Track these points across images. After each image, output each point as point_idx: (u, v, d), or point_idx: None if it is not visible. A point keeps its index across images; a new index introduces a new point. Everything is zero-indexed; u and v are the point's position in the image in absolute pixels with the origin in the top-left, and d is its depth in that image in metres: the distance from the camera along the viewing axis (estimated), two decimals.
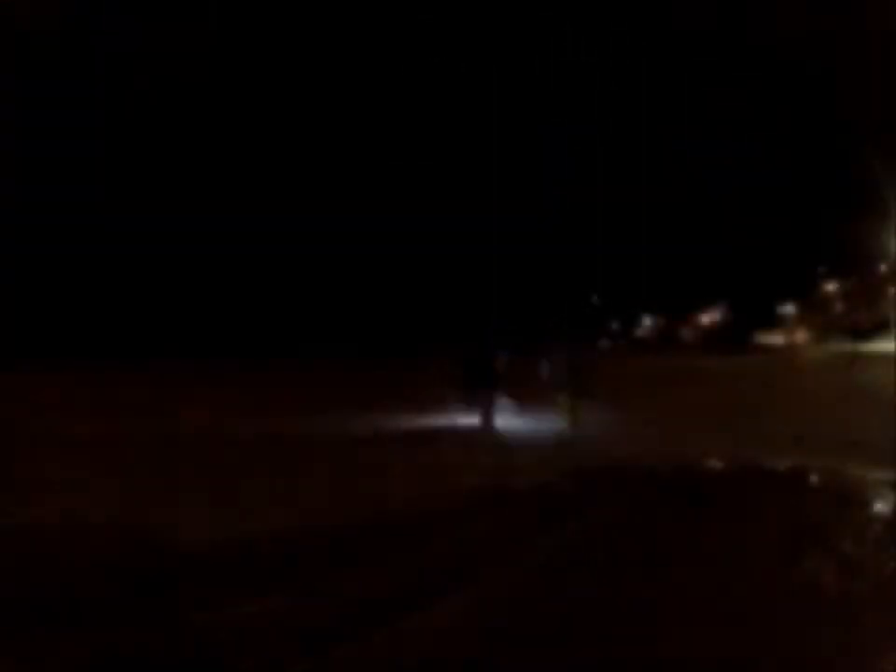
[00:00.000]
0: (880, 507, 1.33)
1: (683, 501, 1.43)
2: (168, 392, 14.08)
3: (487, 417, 9.33)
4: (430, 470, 6.10)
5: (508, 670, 0.74)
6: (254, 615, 0.92)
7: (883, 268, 56.37)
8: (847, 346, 28.70)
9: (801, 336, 57.15)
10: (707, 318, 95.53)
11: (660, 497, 1.49)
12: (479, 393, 9.41)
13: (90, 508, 4.81)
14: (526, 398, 10.34)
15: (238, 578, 1.16)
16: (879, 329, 43.50)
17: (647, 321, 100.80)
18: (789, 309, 71.73)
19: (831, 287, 68.49)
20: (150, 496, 5.31)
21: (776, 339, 60.42)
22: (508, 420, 9.58)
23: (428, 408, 10.13)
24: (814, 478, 1.68)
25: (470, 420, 9.34)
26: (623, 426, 9.30)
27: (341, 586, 0.98)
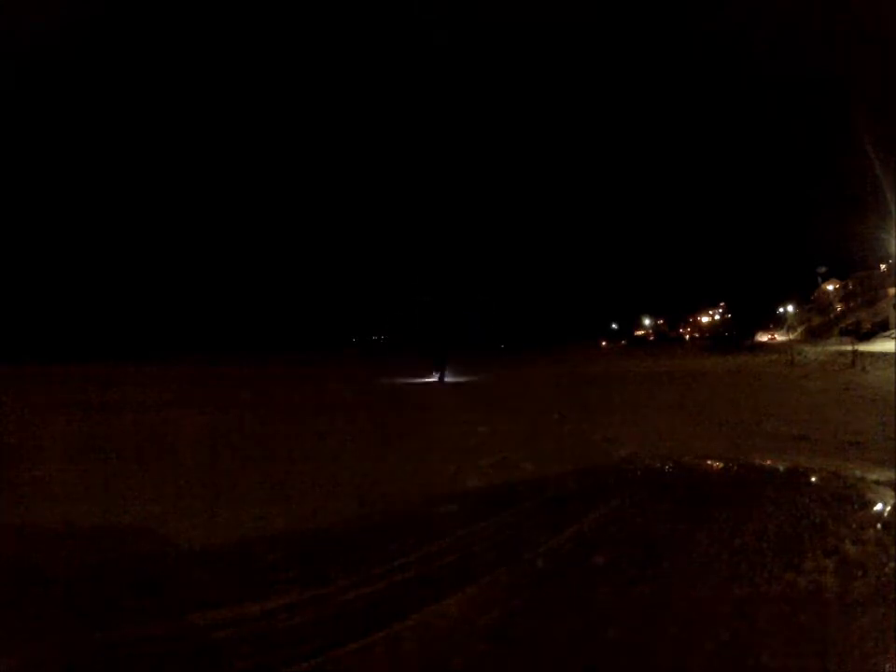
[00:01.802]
0: (880, 507, 1.33)
1: (683, 500, 1.43)
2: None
3: (441, 377, 23.24)
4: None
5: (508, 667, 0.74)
6: (255, 614, 0.92)
7: (883, 268, 56.39)
8: (847, 346, 28.64)
9: (784, 335, 57.35)
10: (706, 318, 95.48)
11: (660, 496, 1.49)
12: (438, 363, 24.00)
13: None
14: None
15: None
16: (879, 328, 43.52)
17: (646, 321, 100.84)
18: (789, 309, 71.85)
19: (831, 286, 68.52)
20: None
21: (763, 338, 60.82)
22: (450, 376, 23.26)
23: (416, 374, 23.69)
24: (814, 478, 1.68)
25: (432, 378, 23.05)
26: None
27: None
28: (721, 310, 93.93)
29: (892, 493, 1.44)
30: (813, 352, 33.47)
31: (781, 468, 2.00)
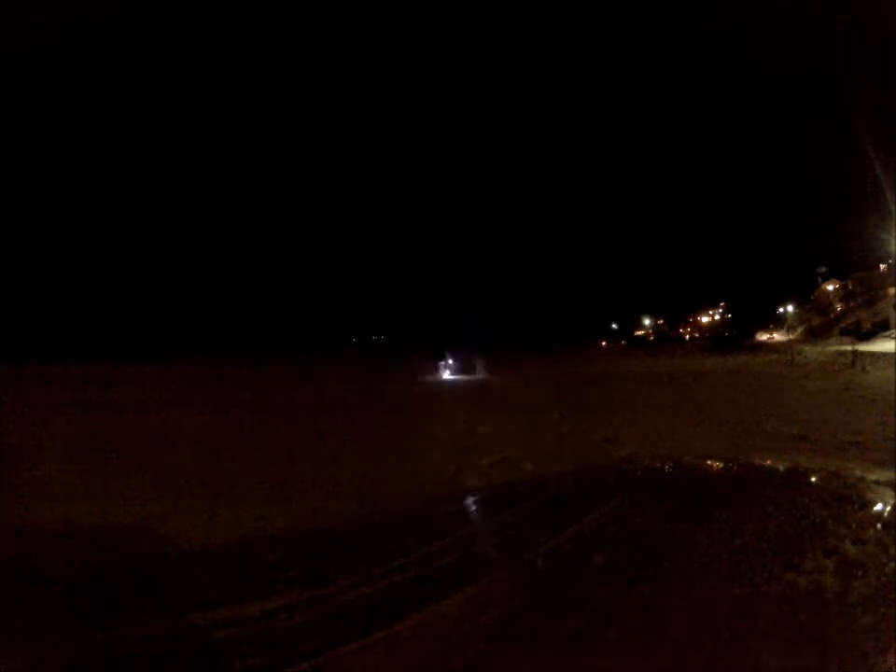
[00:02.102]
0: (880, 507, 1.33)
1: (683, 500, 1.42)
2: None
3: (440, 376, 24.74)
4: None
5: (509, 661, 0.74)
6: (256, 611, 0.92)
7: (883, 268, 56.35)
8: (847, 346, 28.63)
9: (784, 335, 57.49)
10: (707, 318, 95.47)
11: (660, 496, 1.49)
12: (437, 360, 26.07)
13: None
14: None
15: None
16: (879, 328, 43.51)
17: (646, 321, 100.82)
18: (789, 309, 71.86)
19: (831, 286, 68.49)
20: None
21: (763, 338, 61.06)
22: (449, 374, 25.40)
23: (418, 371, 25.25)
24: (814, 478, 1.67)
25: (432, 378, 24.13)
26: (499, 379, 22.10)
27: None
28: (721, 310, 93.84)
29: (892, 493, 1.44)
30: (813, 352, 33.43)
31: (781, 468, 2.00)
